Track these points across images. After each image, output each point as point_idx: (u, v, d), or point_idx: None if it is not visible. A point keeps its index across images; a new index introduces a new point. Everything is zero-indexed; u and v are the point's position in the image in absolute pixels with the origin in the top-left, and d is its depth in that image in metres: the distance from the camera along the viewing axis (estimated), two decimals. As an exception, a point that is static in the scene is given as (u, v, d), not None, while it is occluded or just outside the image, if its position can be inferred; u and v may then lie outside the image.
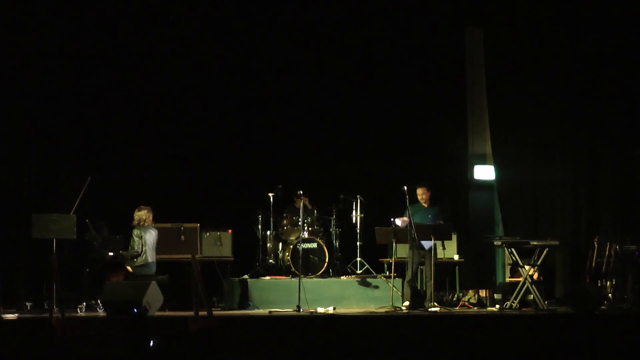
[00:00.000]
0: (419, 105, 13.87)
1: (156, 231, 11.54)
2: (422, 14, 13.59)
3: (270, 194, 12.51)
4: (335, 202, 12.81)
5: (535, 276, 11.90)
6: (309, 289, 11.34)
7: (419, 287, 12.17)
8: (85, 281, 11.06)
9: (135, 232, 11.30)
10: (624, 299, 11.86)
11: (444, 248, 11.82)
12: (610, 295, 11.94)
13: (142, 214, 11.42)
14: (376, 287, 12.18)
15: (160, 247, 11.57)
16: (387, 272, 12.24)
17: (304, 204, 11.92)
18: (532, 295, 11.60)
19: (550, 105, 13.64)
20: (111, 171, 12.47)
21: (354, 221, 12.85)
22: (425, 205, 11.80)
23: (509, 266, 13.17)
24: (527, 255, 11.91)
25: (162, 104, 13.05)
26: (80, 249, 11.20)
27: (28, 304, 10.91)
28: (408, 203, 11.45)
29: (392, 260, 11.91)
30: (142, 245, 11.29)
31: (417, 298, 11.64)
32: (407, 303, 11.43)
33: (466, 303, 12.41)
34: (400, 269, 11.87)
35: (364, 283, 12.22)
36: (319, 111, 13.65)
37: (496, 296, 12.43)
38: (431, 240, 11.36)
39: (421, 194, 11.77)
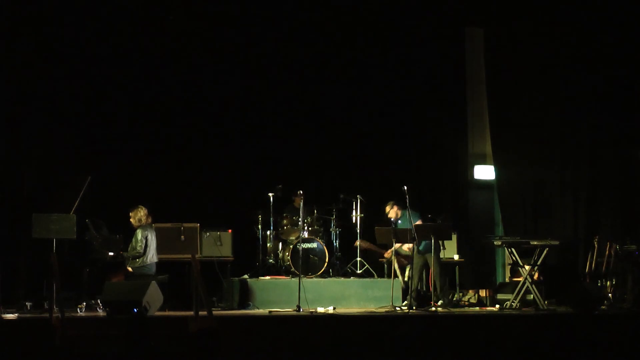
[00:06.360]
0: (419, 105, 13.87)
1: (154, 231, 11.56)
2: (423, 13, 13.59)
3: (270, 194, 12.48)
4: (335, 202, 12.80)
5: (536, 276, 11.90)
6: (309, 289, 11.32)
7: (424, 289, 12.12)
8: (85, 281, 11.05)
9: (141, 232, 11.28)
10: (624, 299, 11.87)
11: (444, 248, 11.80)
12: (610, 295, 11.95)
13: (143, 214, 11.41)
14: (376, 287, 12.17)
15: (160, 247, 11.55)
16: (387, 272, 12.23)
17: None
18: (532, 295, 11.60)
19: (550, 105, 13.65)
20: (111, 171, 12.46)
21: (354, 221, 12.84)
22: (399, 213, 11.70)
23: (509, 266, 13.17)
24: (527, 255, 11.90)
25: (161, 103, 13.03)
26: (80, 249, 11.18)
27: (28, 304, 10.88)
28: (408, 205, 11.43)
29: (392, 260, 11.91)
30: (145, 245, 11.29)
31: (422, 298, 11.62)
32: (406, 302, 11.43)
33: (466, 303, 12.40)
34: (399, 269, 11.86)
35: (364, 283, 12.21)
36: (319, 111, 13.64)
37: (497, 296, 12.44)
38: (431, 240, 11.34)
39: (388, 211, 11.73)
